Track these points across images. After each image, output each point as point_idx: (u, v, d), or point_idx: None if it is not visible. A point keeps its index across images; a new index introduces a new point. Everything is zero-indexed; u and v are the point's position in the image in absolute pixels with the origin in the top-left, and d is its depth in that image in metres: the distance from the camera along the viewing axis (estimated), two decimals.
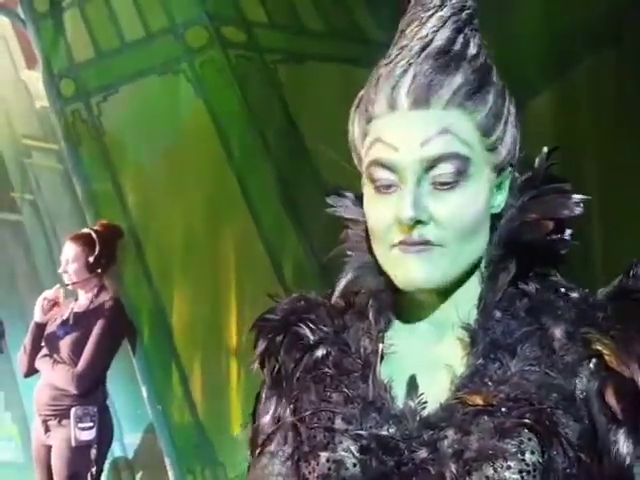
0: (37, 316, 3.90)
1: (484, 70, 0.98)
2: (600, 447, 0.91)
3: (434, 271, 0.95)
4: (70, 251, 3.90)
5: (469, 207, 0.95)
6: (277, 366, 1.05)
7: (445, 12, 0.96)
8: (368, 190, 0.99)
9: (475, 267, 1.00)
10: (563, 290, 0.99)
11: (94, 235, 3.84)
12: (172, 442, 4.35)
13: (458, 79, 0.95)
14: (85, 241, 3.87)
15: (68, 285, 3.93)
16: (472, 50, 0.98)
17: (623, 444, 0.91)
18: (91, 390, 3.71)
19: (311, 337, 1.04)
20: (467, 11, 0.98)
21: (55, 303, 3.89)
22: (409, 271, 0.95)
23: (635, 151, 3.00)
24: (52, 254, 5.34)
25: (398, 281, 0.97)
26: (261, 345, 1.08)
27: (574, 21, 3.29)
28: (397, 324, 1.04)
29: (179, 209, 4.42)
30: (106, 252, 3.85)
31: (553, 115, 3.41)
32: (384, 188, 0.96)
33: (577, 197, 1.00)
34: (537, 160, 1.02)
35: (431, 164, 0.94)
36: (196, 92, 4.48)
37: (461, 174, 0.94)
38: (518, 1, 3.57)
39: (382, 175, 0.96)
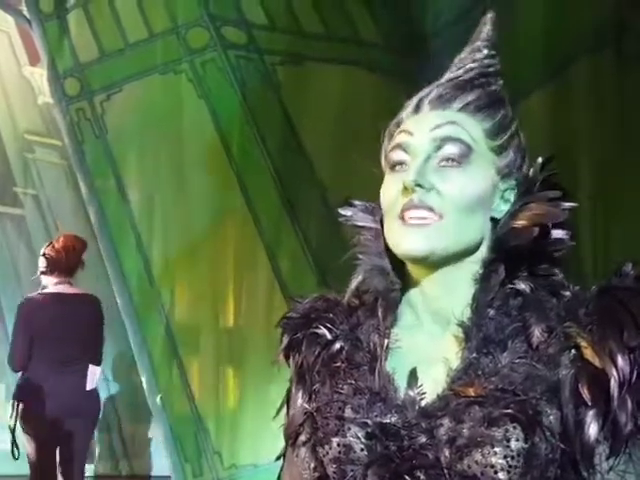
0: None
1: (498, 98, 1.15)
2: (570, 428, 1.00)
3: (429, 242, 1.06)
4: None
5: (469, 185, 1.07)
6: (300, 361, 1.17)
7: (474, 64, 1.16)
8: (386, 175, 1.13)
9: (470, 264, 1.10)
10: (557, 289, 1.08)
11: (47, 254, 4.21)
12: (170, 431, 4.42)
13: (471, 96, 1.13)
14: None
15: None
16: (491, 87, 1.15)
17: (590, 424, 1.00)
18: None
19: (328, 334, 1.15)
20: (492, 68, 1.17)
21: None
22: (406, 241, 1.07)
23: (633, 151, 3.08)
24: None
25: (398, 250, 1.09)
26: (285, 341, 1.19)
27: (574, 21, 3.38)
28: (402, 321, 1.15)
29: (180, 206, 4.50)
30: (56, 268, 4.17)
31: (551, 114, 3.47)
32: (397, 165, 1.11)
33: (565, 205, 1.10)
34: (531, 170, 1.13)
35: (439, 144, 1.08)
36: (197, 92, 4.57)
37: (464, 157, 1.08)
38: (519, 1, 3.65)
39: (398, 156, 1.11)
